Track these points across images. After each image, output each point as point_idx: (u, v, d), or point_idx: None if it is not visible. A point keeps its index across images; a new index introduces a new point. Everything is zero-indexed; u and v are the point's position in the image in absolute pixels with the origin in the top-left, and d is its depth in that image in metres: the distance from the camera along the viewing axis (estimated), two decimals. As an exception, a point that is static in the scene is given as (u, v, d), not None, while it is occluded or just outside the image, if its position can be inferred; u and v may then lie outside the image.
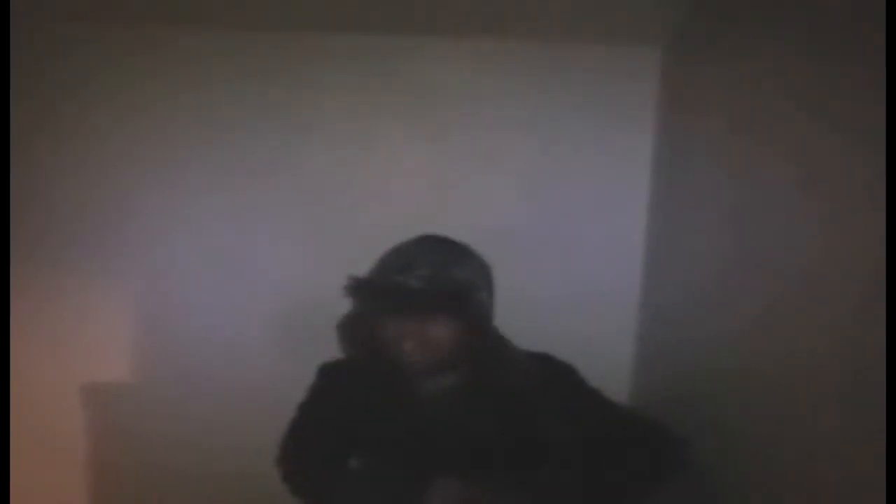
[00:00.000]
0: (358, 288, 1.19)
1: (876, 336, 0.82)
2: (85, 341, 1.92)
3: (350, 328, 1.28)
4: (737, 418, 1.29)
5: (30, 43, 1.81)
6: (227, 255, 1.92)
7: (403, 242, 1.24)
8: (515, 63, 1.89)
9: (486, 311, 1.22)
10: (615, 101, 1.90)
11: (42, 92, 1.85)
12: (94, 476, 1.97)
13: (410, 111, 1.90)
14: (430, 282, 1.13)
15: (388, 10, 1.71)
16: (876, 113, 0.85)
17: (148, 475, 1.94)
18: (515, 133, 1.91)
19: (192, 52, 1.86)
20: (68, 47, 1.84)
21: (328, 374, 1.36)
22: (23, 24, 1.74)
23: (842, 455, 0.93)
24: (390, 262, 1.20)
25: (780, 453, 1.12)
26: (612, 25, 1.75)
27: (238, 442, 1.85)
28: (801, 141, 1.10)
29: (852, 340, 0.91)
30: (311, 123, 1.89)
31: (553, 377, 1.27)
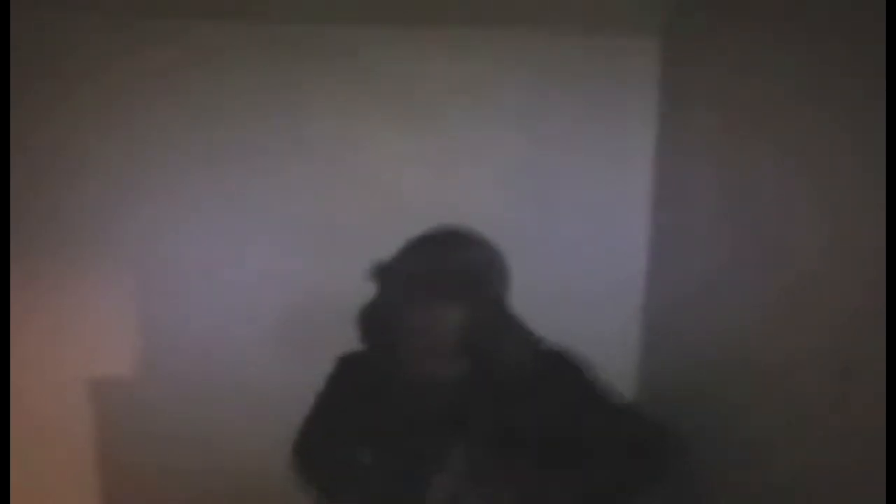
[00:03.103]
0: (378, 273, 1.27)
1: (876, 330, 0.82)
2: (84, 337, 1.91)
3: (369, 318, 1.32)
4: (740, 413, 1.30)
5: (29, 40, 1.80)
6: (226, 251, 1.91)
7: (421, 234, 1.29)
8: (511, 54, 1.86)
9: (496, 299, 1.27)
10: (614, 93, 1.87)
11: (41, 88, 1.83)
12: (92, 471, 1.96)
13: (404, 105, 1.87)
14: (443, 266, 1.21)
15: (377, 1, 1.69)
16: (877, 103, 0.85)
17: (147, 471, 1.93)
18: (513, 126, 1.88)
19: (187, 49, 1.85)
20: (64, 44, 1.83)
21: (346, 365, 1.39)
22: (22, 23, 1.73)
23: (841, 449, 0.93)
24: (408, 251, 1.27)
25: (783, 447, 1.12)
26: (608, 15, 1.73)
27: (237, 438, 1.85)
28: (803, 133, 1.09)
29: (853, 335, 0.91)
30: (302, 120, 1.87)
31: (555, 374, 1.28)
